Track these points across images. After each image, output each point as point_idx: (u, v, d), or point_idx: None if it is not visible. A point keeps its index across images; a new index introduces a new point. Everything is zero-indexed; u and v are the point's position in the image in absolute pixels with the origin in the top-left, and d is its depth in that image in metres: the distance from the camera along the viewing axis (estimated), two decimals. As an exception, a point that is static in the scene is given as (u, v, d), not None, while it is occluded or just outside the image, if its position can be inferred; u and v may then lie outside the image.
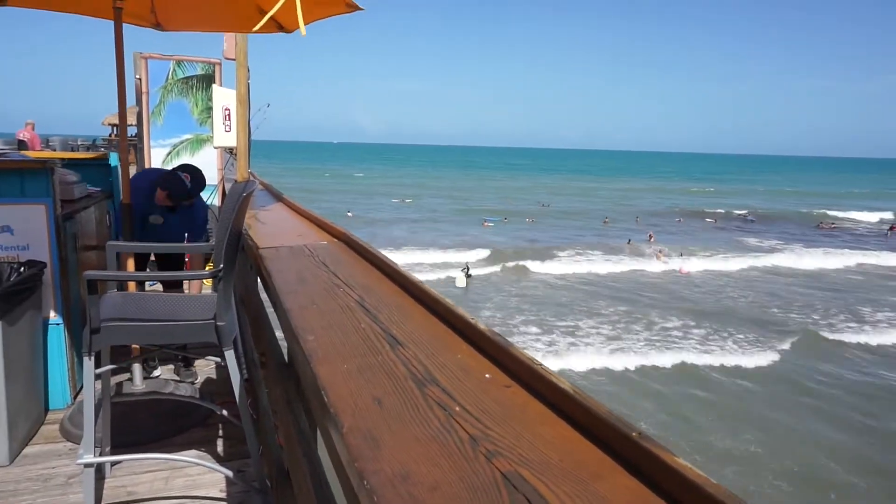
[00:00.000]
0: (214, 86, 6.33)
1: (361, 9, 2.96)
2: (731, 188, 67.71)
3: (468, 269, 22.84)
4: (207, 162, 6.68)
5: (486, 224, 36.21)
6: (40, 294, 2.91)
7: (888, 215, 43.27)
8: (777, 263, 25.53)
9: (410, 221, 35.26)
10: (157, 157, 6.96)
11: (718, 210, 44.35)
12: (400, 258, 23.83)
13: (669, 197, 55.27)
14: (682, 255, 26.24)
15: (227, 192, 4.31)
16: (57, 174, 3.01)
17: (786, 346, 15.11)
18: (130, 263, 3.10)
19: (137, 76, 6.88)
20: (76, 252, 3.29)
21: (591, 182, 73.38)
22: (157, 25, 3.65)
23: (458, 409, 0.90)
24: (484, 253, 25.32)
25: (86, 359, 2.04)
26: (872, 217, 43.01)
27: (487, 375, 1.03)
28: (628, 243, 28.99)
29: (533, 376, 0.97)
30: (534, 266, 23.39)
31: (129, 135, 8.62)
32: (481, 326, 1.17)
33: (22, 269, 2.72)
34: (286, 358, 1.99)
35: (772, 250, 28.99)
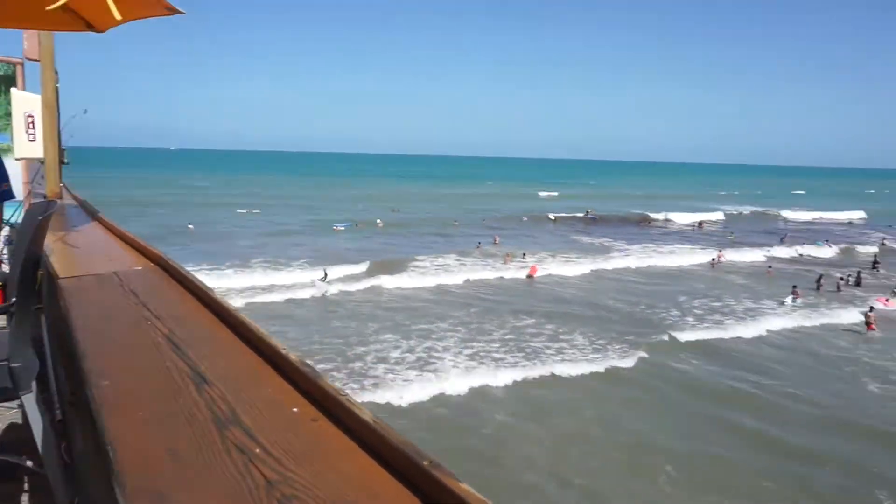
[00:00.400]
0: (14, 90, 5.63)
1: (182, 12, 2.79)
2: (573, 192, 72.62)
3: (326, 276, 22.40)
4: (11, 175, 5.89)
5: (336, 228, 35.67)
6: None
7: (699, 216, 49.16)
8: (611, 262, 27.94)
9: (258, 234, 33.69)
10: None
11: (561, 214, 47.55)
12: (247, 274, 22.77)
13: (516, 201, 58.15)
14: (524, 255, 27.78)
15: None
16: None
17: (625, 337, 16.61)
18: None
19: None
20: None
21: (441, 188, 75.15)
22: None
23: (258, 451, 0.87)
24: (336, 262, 24.96)
25: None
26: (688, 217, 48.70)
27: (295, 409, 1.01)
28: (478, 247, 30.14)
29: (338, 408, 0.96)
30: (386, 272, 23.46)
31: None
32: (292, 357, 1.14)
33: None
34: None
35: (605, 249, 31.79)
